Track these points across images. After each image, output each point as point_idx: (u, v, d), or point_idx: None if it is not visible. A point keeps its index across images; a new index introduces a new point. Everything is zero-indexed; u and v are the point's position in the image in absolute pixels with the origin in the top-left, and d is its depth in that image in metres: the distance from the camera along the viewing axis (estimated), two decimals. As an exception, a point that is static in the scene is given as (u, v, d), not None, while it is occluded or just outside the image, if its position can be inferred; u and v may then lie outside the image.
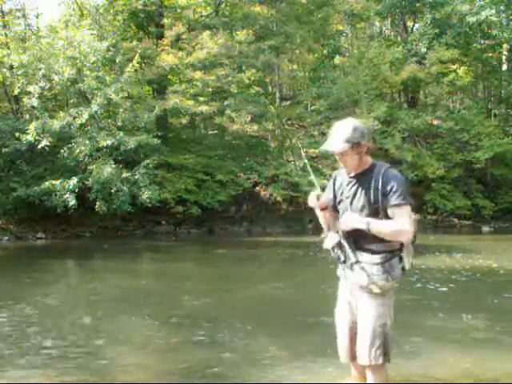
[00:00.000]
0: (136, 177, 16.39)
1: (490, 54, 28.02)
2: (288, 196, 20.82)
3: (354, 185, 3.06)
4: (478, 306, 6.86)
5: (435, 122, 26.17)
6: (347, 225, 2.98)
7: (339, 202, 3.15)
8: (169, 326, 5.76)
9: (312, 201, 3.11)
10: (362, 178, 3.03)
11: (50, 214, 16.86)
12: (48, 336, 5.29)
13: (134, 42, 20.47)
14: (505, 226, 23.12)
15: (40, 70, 16.90)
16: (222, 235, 19.23)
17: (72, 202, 15.68)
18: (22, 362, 4.45)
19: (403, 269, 3.03)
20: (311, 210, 3.23)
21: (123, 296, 7.63)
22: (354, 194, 3.04)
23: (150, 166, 16.99)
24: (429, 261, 11.14)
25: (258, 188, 22.20)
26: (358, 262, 3.01)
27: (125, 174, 16.25)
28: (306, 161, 3.62)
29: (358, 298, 3.07)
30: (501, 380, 4.04)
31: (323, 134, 22.89)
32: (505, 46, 27.58)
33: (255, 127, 23.64)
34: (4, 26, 19.99)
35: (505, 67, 28.59)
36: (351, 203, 3.05)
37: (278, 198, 21.20)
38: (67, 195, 15.75)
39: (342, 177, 3.17)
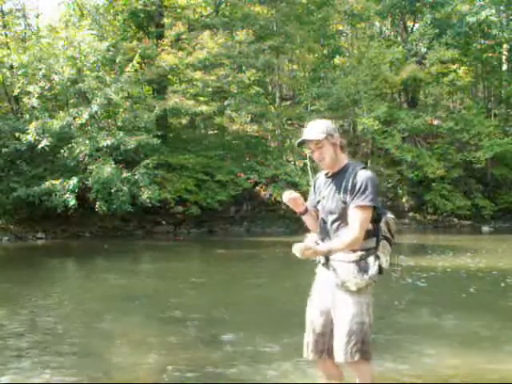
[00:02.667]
0: (136, 177, 16.39)
1: (490, 54, 28.01)
2: (288, 196, 20.79)
3: (329, 185, 3.13)
4: (475, 306, 6.87)
5: (435, 122, 26.17)
6: (302, 254, 2.90)
7: (318, 202, 3.20)
8: (168, 326, 5.77)
9: (285, 196, 3.14)
10: (337, 178, 3.08)
11: (50, 214, 16.86)
12: (48, 336, 5.29)
13: (134, 42, 20.48)
14: (505, 226, 23.13)
15: (40, 69, 16.92)
16: (222, 235, 19.24)
17: (72, 202, 15.69)
18: (22, 362, 4.45)
19: (381, 268, 3.04)
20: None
21: (123, 296, 7.63)
22: (329, 195, 3.11)
23: (150, 165, 17.00)
24: (427, 260, 11.20)
25: (257, 188, 22.21)
26: (327, 261, 3.08)
27: (125, 174, 16.25)
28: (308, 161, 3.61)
29: (334, 297, 3.07)
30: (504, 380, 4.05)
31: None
32: (505, 45, 27.59)
33: (255, 127, 23.66)
34: (4, 26, 19.99)
35: (505, 67, 28.59)
36: (326, 204, 3.12)
37: (278, 198, 21.20)
38: (67, 195, 15.75)
39: (322, 177, 3.24)
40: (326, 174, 3.18)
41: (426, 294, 7.68)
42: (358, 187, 2.96)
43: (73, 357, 4.61)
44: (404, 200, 24.93)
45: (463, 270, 9.85)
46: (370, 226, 3.02)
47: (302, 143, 3.14)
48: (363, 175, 2.99)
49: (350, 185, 2.99)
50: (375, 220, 3.03)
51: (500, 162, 25.11)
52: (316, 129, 3.08)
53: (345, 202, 3.00)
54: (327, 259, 3.08)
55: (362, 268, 2.99)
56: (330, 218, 3.08)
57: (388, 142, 23.02)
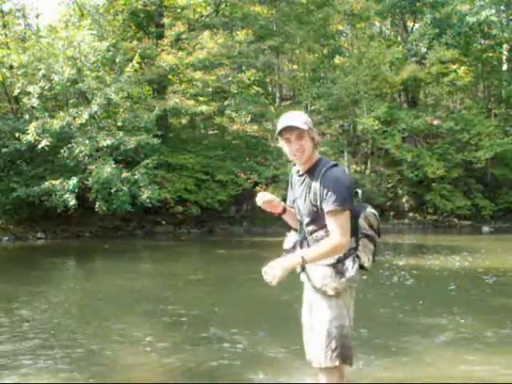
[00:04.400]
0: (136, 177, 16.38)
1: (490, 54, 28.03)
2: (288, 196, 20.78)
3: (302, 184, 2.96)
4: (473, 306, 6.88)
5: (435, 122, 26.17)
6: (273, 277, 2.83)
7: (294, 201, 3.08)
8: (168, 325, 5.77)
9: (259, 200, 3.02)
10: (308, 177, 2.91)
11: (50, 214, 16.86)
12: (47, 336, 5.29)
13: (134, 42, 20.47)
14: (505, 226, 23.13)
15: (40, 70, 16.89)
16: (222, 235, 19.24)
17: (72, 201, 15.68)
18: (21, 362, 4.45)
19: (362, 267, 2.92)
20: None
21: (123, 296, 7.63)
22: (301, 196, 2.95)
23: (150, 165, 16.99)
24: (418, 260, 11.26)
25: (257, 188, 22.18)
26: (303, 269, 2.94)
27: (125, 174, 16.24)
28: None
29: (312, 300, 2.99)
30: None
31: (323, 134, 22.89)
32: (505, 45, 27.60)
33: (255, 127, 23.65)
34: (4, 26, 19.97)
35: (505, 67, 28.60)
36: (300, 205, 2.98)
37: (278, 198, 21.15)
38: (67, 195, 15.74)
39: (295, 174, 3.08)
40: (298, 172, 3.02)
41: (409, 291, 7.75)
42: (326, 191, 2.78)
43: (72, 356, 4.61)
44: (404, 200, 24.93)
45: (452, 270, 9.97)
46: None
47: (283, 131, 2.85)
48: (330, 176, 2.80)
49: (318, 187, 2.81)
50: (353, 218, 2.83)
51: (500, 161, 25.12)
52: (299, 119, 2.86)
53: (315, 206, 2.85)
54: (303, 266, 2.93)
55: (339, 271, 2.84)
56: (305, 220, 2.96)
57: (388, 142, 23.03)
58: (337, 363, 2.89)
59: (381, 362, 4.42)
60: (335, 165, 2.88)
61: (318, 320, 2.94)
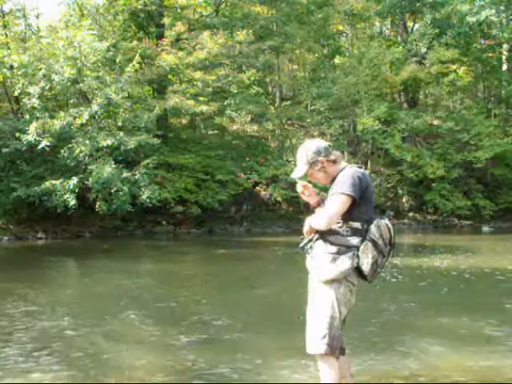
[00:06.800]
0: (136, 177, 16.38)
1: (490, 54, 28.04)
2: (288, 196, 20.84)
3: (329, 190, 3.22)
4: (474, 306, 6.89)
5: (435, 122, 26.18)
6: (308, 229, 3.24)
7: None
8: (168, 326, 5.77)
9: (298, 185, 3.27)
10: (333, 184, 3.20)
11: (50, 214, 16.86)
12: (47, 336, 5.30)
13: (134, 42, 20.46)
14: (505, 226, 23.15)
15: (40, 70, 16.89)
16: (222, 235, 19.24)
17: (72, 202, 15.68)
18: (21, 362, 4.45)
19: (360, 270, 3.07)
20: (310, 208, 3.36)
21: (123, 296, 7.63)
22: (328, 198, 3.21)
23: (150, 165, 17.00)
24: (416, 259, 11.27)
25: (257, 188, 22.20)
26: (310, 248, 3.19)
27: (125, 174, 16.24)
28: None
29: (312, 286, 3.20)
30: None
31: (323, 134, 22.91)
32: (505, 45, 27.63)
33: (255, 127, 23.68)
34: (4, 26, 19.97)
35: (505, 67, 28.61)
36: None
37: (278, 198, 21.21)
38: (67, 195, 15.75)
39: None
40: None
41: (453, 298, 7.70)
42: (335, 184, 3.12)
43: (71, 356, 4.61)
44: (404, 200, 24.95)
45: (438, 268, 10.04)
46: (359, 226, 3.08)
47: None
48: (342, 174, 3.13)
49: (333, 187, 3.15)
50: (366, 221, 3.09)
51: (500, 161, 25.13)
52: (298, 165, 3.25)
53: None
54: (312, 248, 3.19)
55: (335, 260, 3.06)
56: None
57: (388, 142, 23.04)
58: (323, 352, 3.06)
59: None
60: (353, 167, 3.19)
61: (313, 307, 3.16)
